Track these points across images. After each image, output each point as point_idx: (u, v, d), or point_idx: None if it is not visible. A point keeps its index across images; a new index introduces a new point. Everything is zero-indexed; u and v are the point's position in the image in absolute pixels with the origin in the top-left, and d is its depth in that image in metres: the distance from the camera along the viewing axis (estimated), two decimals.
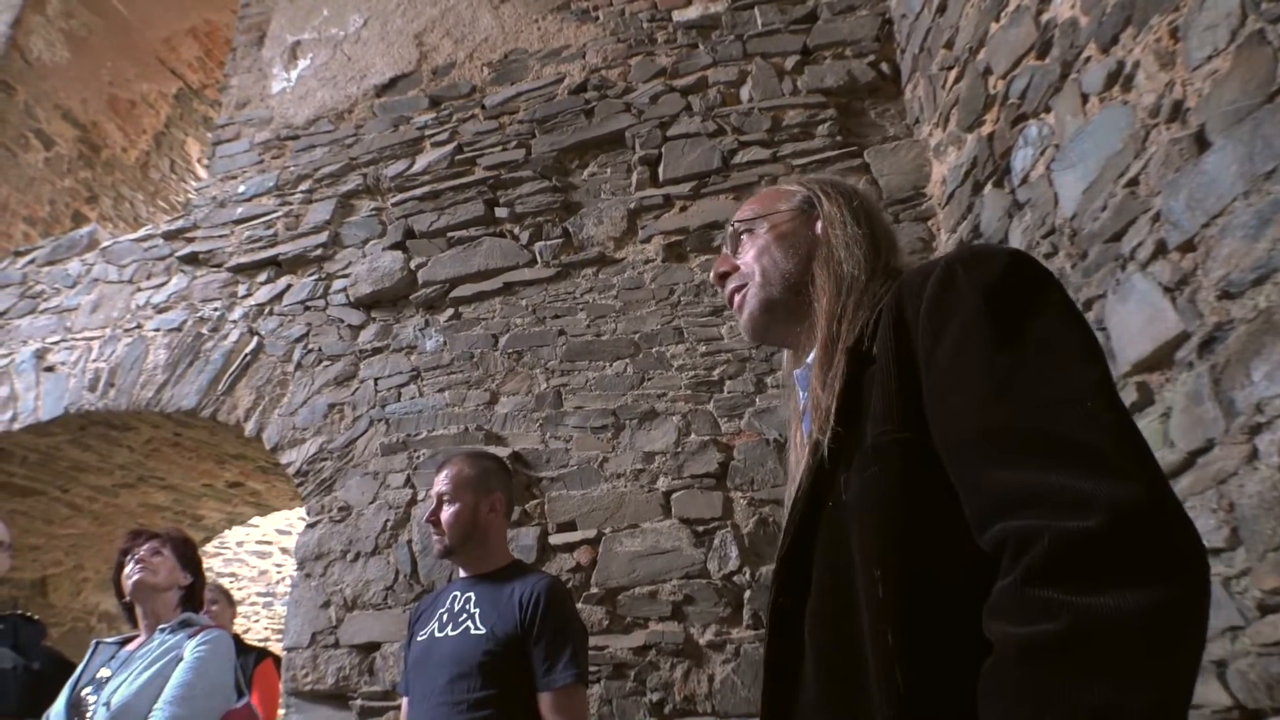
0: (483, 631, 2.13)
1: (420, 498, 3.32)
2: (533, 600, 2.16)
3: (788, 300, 1.08)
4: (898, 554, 0.78)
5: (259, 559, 9.13)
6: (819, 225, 1.09)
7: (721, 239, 3.40)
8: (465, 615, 2.18)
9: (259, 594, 9.02)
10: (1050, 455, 0.69)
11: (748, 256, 1.12)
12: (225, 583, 7.28)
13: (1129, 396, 2.08)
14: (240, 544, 9.08)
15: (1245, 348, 1.72)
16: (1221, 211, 1.78)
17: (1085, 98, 2.26)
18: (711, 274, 1.19)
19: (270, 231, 4.13)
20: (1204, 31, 1.82)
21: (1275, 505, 1.65)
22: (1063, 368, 0.74)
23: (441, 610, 2.25)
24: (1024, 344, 0.76)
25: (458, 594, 2.26)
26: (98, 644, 2.52)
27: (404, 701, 2.28)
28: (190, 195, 5.58)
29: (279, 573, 9.10)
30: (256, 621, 8.82)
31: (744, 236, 1.14)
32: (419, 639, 2.24)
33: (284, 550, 9.08)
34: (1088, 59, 2.25)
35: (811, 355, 1.03)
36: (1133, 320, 2.06)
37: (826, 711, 0.82)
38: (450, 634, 2.17)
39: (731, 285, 1.14)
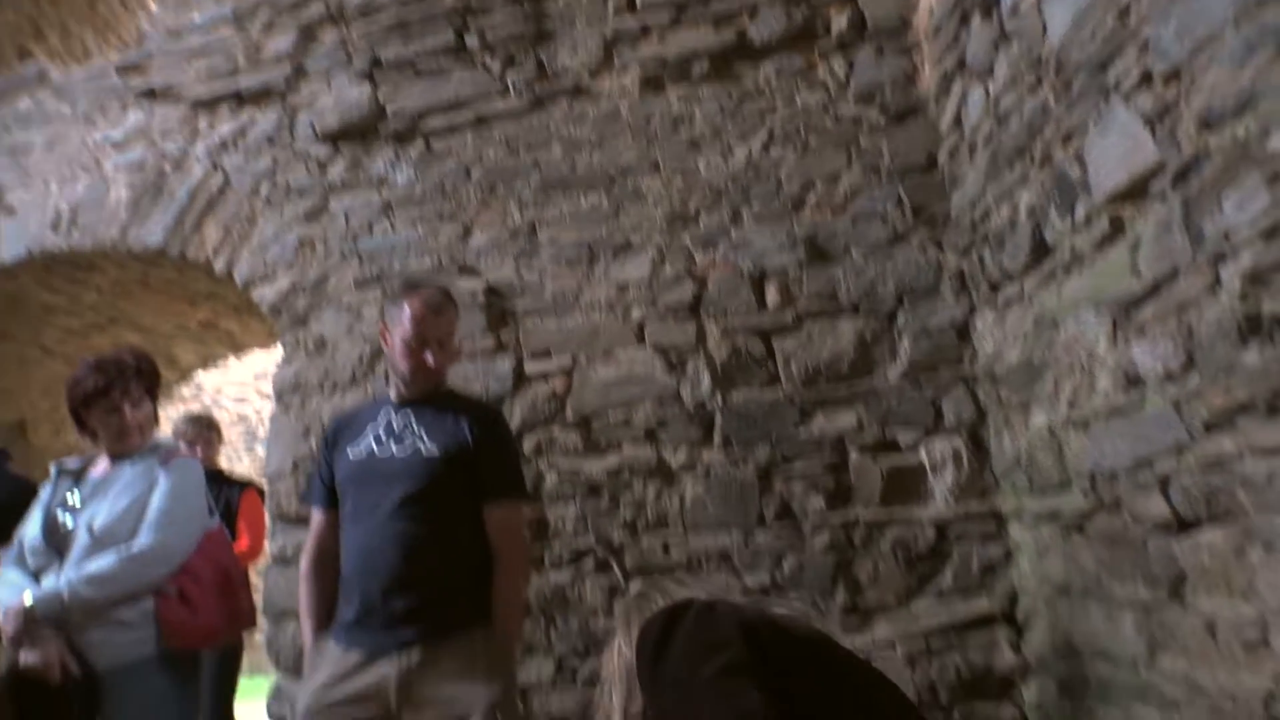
0: (434, 450, 2.19)
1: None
2: (480, 423, 2.26)
3: None
4: None
5: (238, 404, 9.21)
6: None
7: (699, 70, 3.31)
8: (410, 434, 2.24)
9: (239, 438, 9.14)
10: None
11: None
12: None
13: (1101, 228, 2.10)
14: (219, 390, 9.14)
15: (1220, 177, 1.72)
16: (1210, 38, 1.75)
17: None
18: None
19: (230, 63, 3.95)
20: None
21: (1231, 331, 1.69)
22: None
23: (374, 427, 2.28)
24: (666, 701, 1.08)
25: (392, 413, 2.30)
26: (60, 469, 2.55)
27: (320, 514, 2.33)
28: (143, 27, 5.30)
29: (258, 418, 9.20)
30: (238, 465, 8.98)
31: None
32: (351, 456, 2.27)
33: (263, 395, 9.15)
34: None
35: None
36: (1112, 152, 2.06)
37: None
38: (396, 452, 2.22)
39: None
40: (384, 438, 2.25)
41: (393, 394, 2.35)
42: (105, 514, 2.34)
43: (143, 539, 2.31)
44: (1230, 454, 1.71)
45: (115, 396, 2.46)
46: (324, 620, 2.25)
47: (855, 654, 1.15)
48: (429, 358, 2.26)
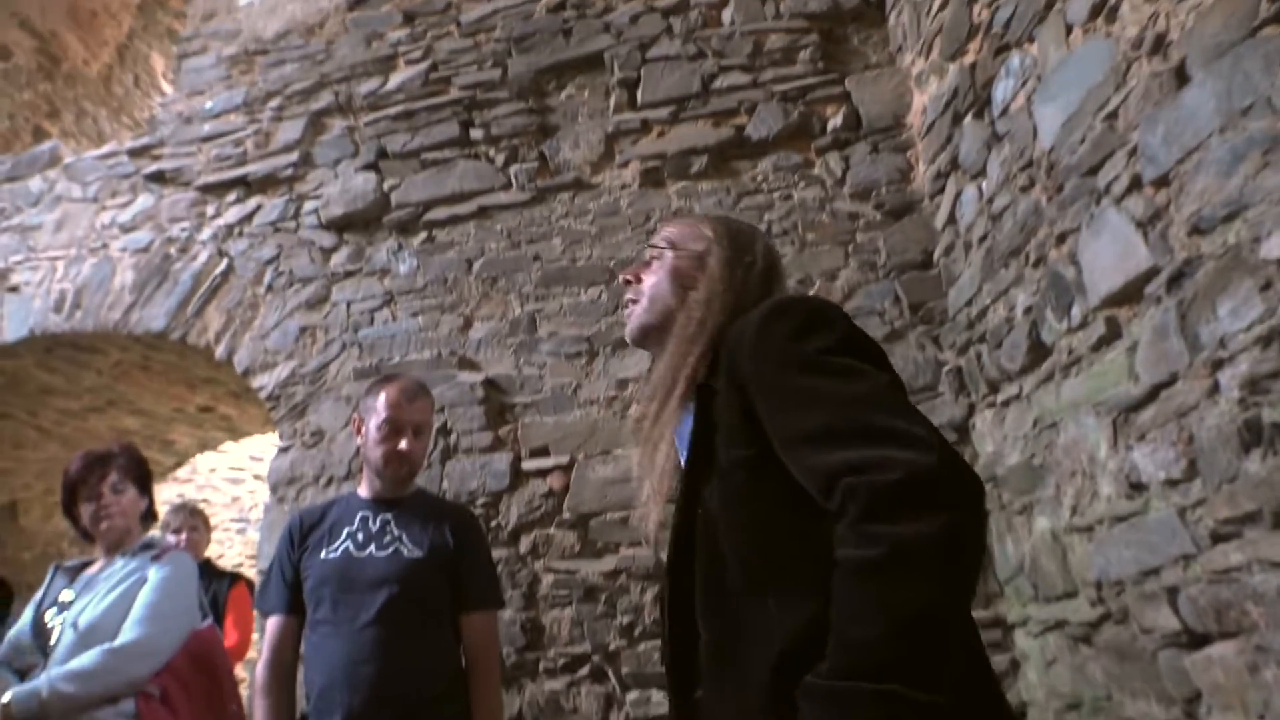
0: (419, 554, 2.16)
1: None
2: (463, 527, 2.25)
3: (662, 329, 1.31)
4: (753, 548, 1.05)
5: (232, 485, 9.10)
6: (703, 276, 1.29)
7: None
8: (390, 537, 2.19)
9: (232, 520, 9.01)
10: (862, 438, 0.95)
11: (649, 279, 1.35)
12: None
13: (1097, 330, 2.11)
14: (213, 470, 9.05)
15: (1213, 283, 1.74)
16: (1197, 146, 1.78)
17: (1069, 28, 2.23)
18: (622, 275, 1.43)
19: (239, 150, 4.03)
20: None
21: (1232, 438, 1.69)
22: (857, 380, 1.01)
23: (350, 529, 2.23)
24: (825, 368, 1.03)
25: (369, 515, 2.26)
26: (57, 568, 2.52)
27: (279, 620, 2.24)
28: (155, 111, 5.42)
29: (252, 499, 9.10)
30: (230, 548, 8.84)
31: (654, 258, 1.37)
32: (324, 557, 2.20)
33: (257, 477, 9.05)
34: None
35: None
36: (1105, 254, 2.08)
37: (717, 658, 1.08)
38: (376, 554, 2.17)
39: (629, 295, 1.39)
40: (361, 539, 2.20)
41: (365, 492, 2.31)
42: (91, 610, 2.30)
43: (126, 634, 2.26)
44: (1238, 565, 1.69)
45: (93, 481, 2.44)
46: None
47: None
48: (403, 444, 2.23)
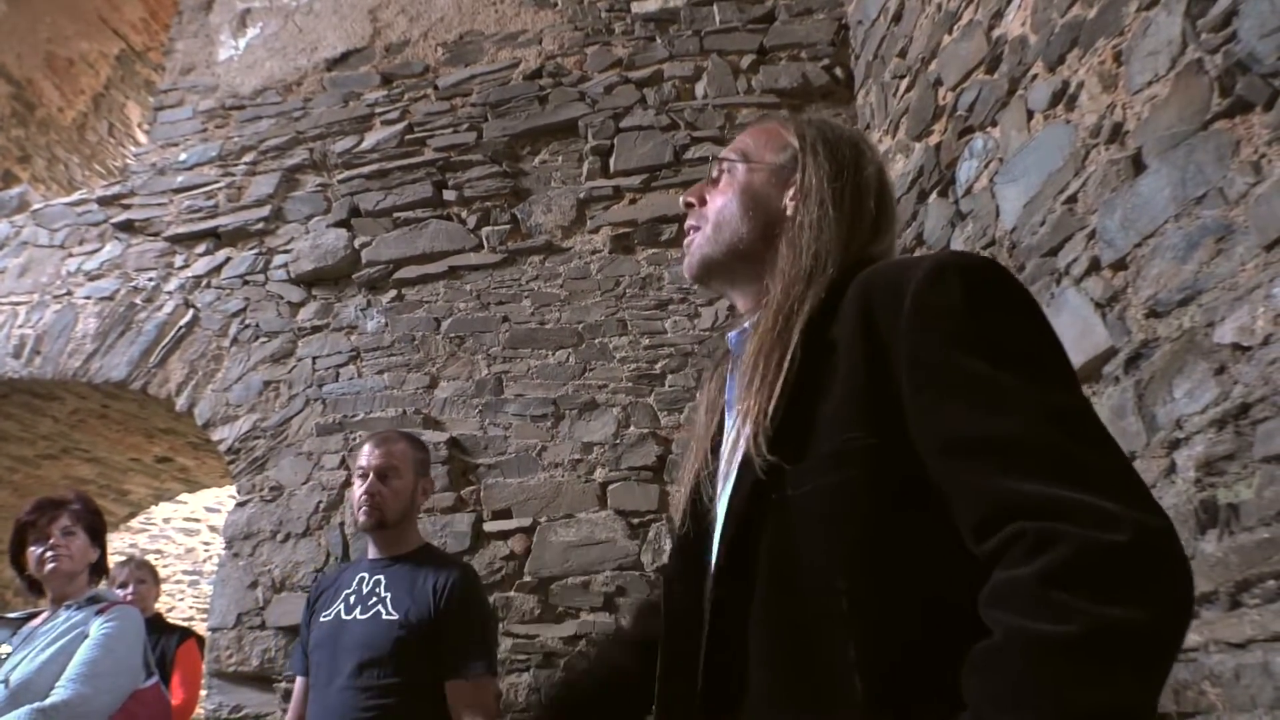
0: (395, 617, 2.10)
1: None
2: (448, 588, 2.14)
3: (729, 264, 1.03)
4: (862, 567, 0.78)
5: (186, 536, 8.90)
6: (790, 194, 1.00)
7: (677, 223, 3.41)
8: (375, 599, 2.15)
9: (185, 572, 8.80)
10: (1066, 470, 0.70)
11: (715, 200, 1.05)
12: (150, 559, 7.10)
13: None
14: (167, 520, 8.85)
15: (1169, 365, 1.77)
16: (1153, 232, 1.83)
17: (1030, 114, 2.31)
18: (682, 198, 1.12)
19: (211, 202, 4.03)
20: (1146, 57, 1.87)
21: (1190, 518, 1.70)
22: (1058, 387, 0.75)
23: (347, 591, 2.20)
24: (1018, 359, 0.76)
25: (365, 575, 2.22)
26: None
27: (299, 681, 2.26)
28: (129, 161, 5.41)
29: (206, 551, 8.89)
30: (181, 600, 8.61)
31: (723, 173, 1.07)
32: (323, 619, 2.18)
33: (212, 528, 8.87)
34: (1034, 76, 2.29)
35: (748, 323, 0.99)
36: (1065, 333, 2.09)
37: (777, 702, 0.81)
38: (359, 617, 2.13)
39: (690, 222, 1.08)
40: (353, 601, 2.18)
41: (371, 552, 2.29)
42: (26, 665, 2.21)
43: (58, 693, 2.16)
44: (1195, 646, 1.69)
45: (43, 523, 2.37)
46: None
47: None
48: (366, 484, 2.20)
